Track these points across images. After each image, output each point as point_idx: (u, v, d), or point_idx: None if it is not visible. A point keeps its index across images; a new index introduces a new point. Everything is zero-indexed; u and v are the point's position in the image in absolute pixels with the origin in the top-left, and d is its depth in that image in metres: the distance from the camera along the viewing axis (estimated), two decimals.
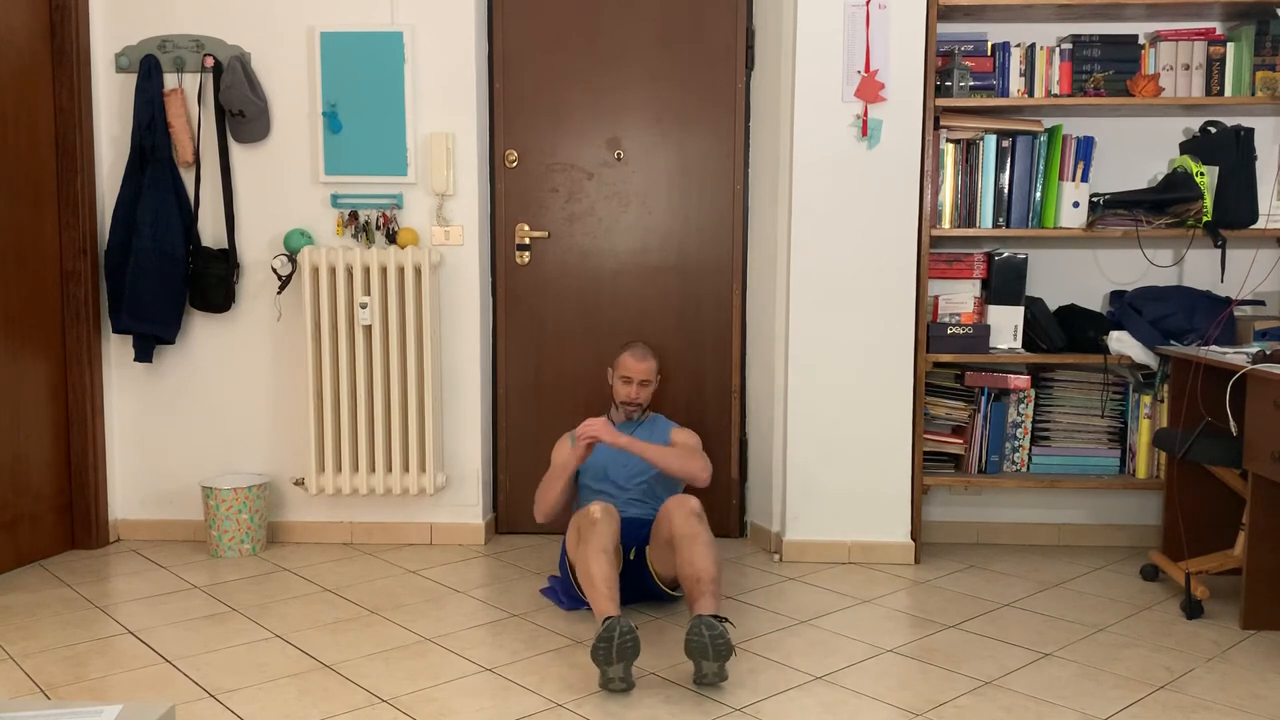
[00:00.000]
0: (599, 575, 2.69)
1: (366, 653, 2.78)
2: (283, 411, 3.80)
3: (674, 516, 2.85)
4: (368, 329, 3.63)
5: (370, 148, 3.68)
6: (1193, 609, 3.04)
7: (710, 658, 2.49)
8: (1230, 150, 3.45)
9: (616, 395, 3.33)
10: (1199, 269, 3.74)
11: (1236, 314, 3.58)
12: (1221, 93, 3.51)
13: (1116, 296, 3.72)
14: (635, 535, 3.07)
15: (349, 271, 3.61)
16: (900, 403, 3.53)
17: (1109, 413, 3.63)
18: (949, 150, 3.53)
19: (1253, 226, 3.48)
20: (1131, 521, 3.81)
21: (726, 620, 2.57)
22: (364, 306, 3.58)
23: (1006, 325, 3.56)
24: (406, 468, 3.67)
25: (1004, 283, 3.57)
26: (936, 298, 3.60)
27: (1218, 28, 3.61)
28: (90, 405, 3.71)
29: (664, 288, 3.82)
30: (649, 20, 3.75)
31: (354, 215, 3.69)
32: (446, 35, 3.65)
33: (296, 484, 3.76)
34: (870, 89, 3.44)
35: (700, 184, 3.80)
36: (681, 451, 3.12)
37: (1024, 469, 3.63)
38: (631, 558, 3.06)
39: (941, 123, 3.51)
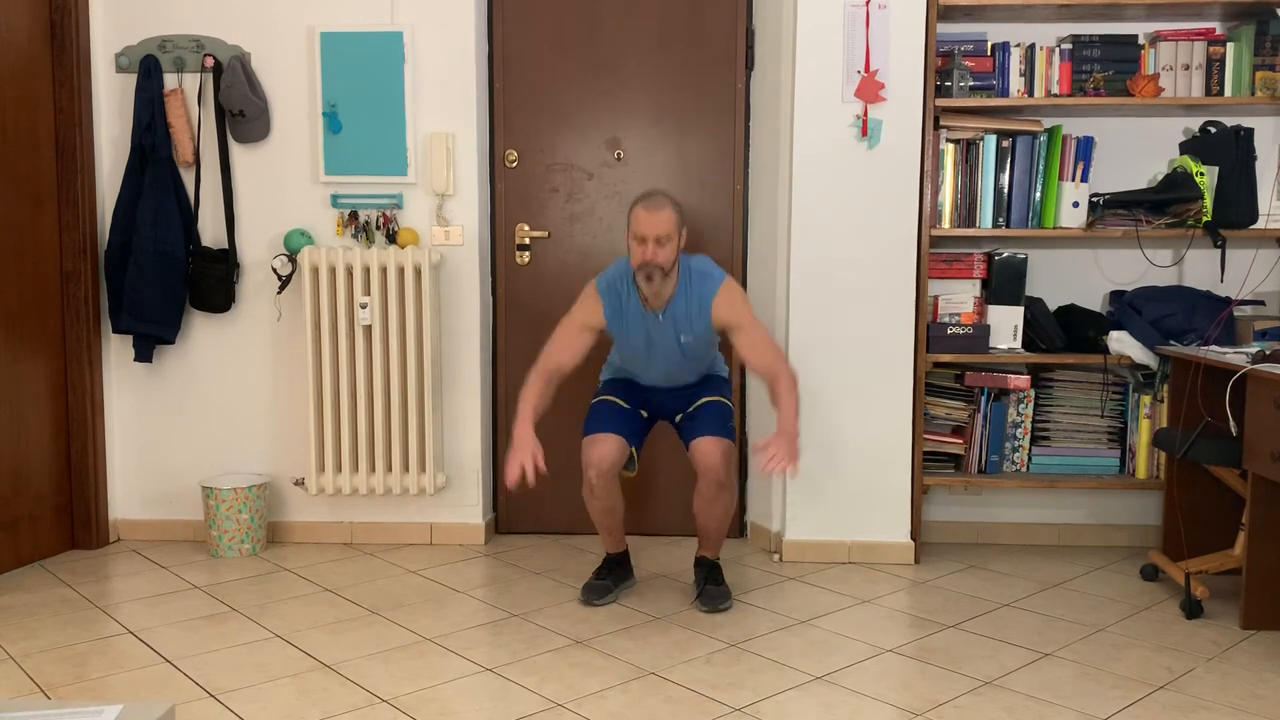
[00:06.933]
0: (602, 526, 3.21)
1: (366, 653, 2.78)
2: (283, 411, 3.80)
3: (700, 481, 3.07)
4: (368, 329, 3.63)
5: (370, 148, 3.68)
6: (1193, 609, 3.04)
7: (706, 609, 3.10)
8: (1230, 150, 3.45)
9: (633, 260, 2.92)
10: (1199, 269, 3.74)
11: (1236, 314, 3.58)
12: (1221, 93, 3.51)
13: (1116, 296, 3.72)
14: (675, 404, 3.20)
15: (349, 271, 3.61)
16: (900, 403, 3.53)
17: (1109, 413, 3.63)
18: (949, 150, 3.53)
19: (1253, 226, 3.48)
20: (1131, 521, 3.81)
21: (723, 585, 3.16)
22: (364, 306, 3.58)
23: (1006, 325, 3.56)
24: (406, 468, 3.67)
25: (1004, 283, 3.57)
26: (936, 298, 3.60)
27: (1218, 28, 3.61)
28: (90, 405, 3.71)
29: None
30: (649, 20, 3.75)
31: (354, 215, 3.69)
32: (446, 35, 3.65)
33: (296, 484, 3.76)
34: (870, 89, 3.44)
35: (700, 184, 3.80)
36: (786, 386, 2.89)
37: (1024, 469, 3.63)
38: (677, 421, 3.20)
39: (941, 123, 3.51)
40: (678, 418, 3.19)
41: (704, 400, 3.14)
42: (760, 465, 2.77)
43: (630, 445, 3.12)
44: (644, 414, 3.22)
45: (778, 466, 2.75)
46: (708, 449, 3.01)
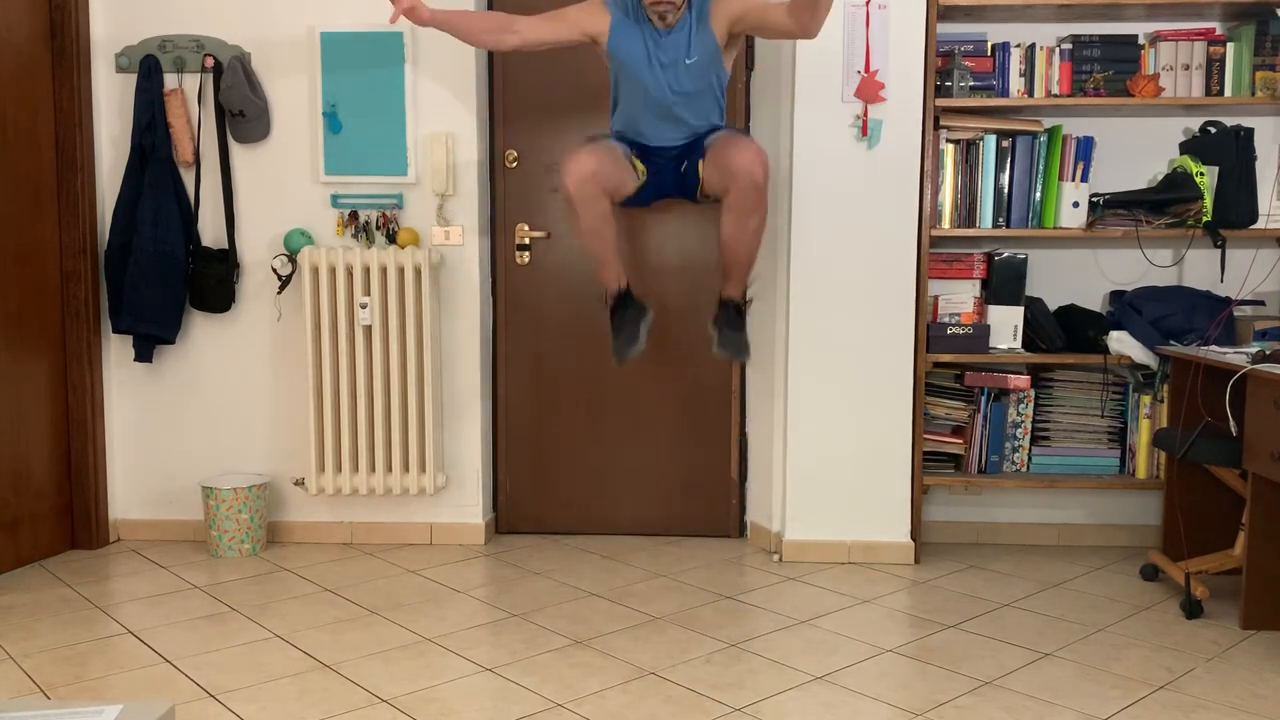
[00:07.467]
0: (596, 255, 2.95)
1: (366, 653, 2.78)
2: (283, 411, 3.80)
3: (733, 186, 2.78)
4: (368, 329, 3.63)
5: (370, 148, 3.68)
6: (1193, 609, 3.05)
7: (725, 355, 3.05)
8: (1230, 150, 3.45)
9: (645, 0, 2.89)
10: (1199, 269, 3.74)
11: (1236, 314, 3.58)
12: (1221, 93, 3.51)
13: (1116, 296, 3.72)
14: (683, 152, 2.96)
15: (349, 271, 3.61)
16: (900, 403, 3.53)
17: (1109, 413, 3.63)
18: (949, 150, 3.53)
19: (1253, 226, 3.48)
20: (1131, 521, 3.81)
21: (746, 312, 3.09)
22: (364, 307, 3.58)
23: (1006, 325, 3.56)
24: (406, 468, 3.67)
25: (1004, 283, 3.57)
26: (936, 298, 3.60)
27: (1218, 28, 3.61)
28: (90, 405, 3.71)
29: (664, 287, 3.82)
30: None
31: (354, 215, 3.69)
32: (447, 35, 3.65)
33: (296, 484, 3.76)
34: (870, 89, 3.44)
35: None
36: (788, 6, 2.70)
37: (1024, 469, 3.63)
38: (683, 171, 2.95)
39: (941, 123, 3.51)
40: (684, 166, 2.89)
41: (718, 133, 2.91)
42: None
43: (627, 158, 2.84)
44: (640, 168, 2.93)
45: None
46: (740, 146, 2.74)
